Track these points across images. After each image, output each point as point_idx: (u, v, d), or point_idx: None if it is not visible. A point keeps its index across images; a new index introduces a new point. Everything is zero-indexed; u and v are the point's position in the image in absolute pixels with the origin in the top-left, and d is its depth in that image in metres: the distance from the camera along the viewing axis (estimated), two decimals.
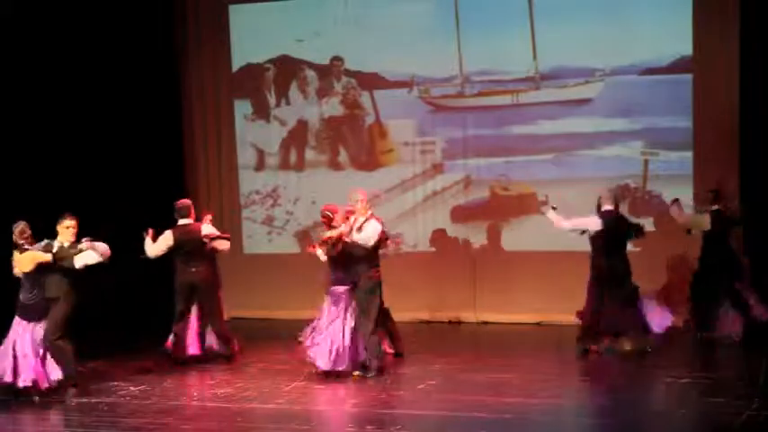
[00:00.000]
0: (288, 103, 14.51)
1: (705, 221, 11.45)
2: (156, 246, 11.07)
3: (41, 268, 9.75)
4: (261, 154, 14.66)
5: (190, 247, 11.08)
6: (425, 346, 11.48)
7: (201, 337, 11.31)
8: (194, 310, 11.28)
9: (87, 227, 10.45)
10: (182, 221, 11.18)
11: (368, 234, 10.24)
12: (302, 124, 14.46)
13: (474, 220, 13.70)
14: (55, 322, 9.81)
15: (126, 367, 10.84)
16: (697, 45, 12.59)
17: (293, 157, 14.53)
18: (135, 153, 13.98)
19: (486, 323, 13.49)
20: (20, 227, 9.85)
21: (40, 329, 9.74)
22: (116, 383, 10.11)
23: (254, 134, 14.67)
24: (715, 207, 11.46)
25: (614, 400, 9.51)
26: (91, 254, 9.88)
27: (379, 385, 9.86)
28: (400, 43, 13.74)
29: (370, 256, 10.28)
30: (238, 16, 14.55)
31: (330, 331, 10.21)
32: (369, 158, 14.19)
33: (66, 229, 9.98)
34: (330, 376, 10.12)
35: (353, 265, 10.28)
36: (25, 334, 9.71)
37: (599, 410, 9.28)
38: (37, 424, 9.10)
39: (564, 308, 12.75)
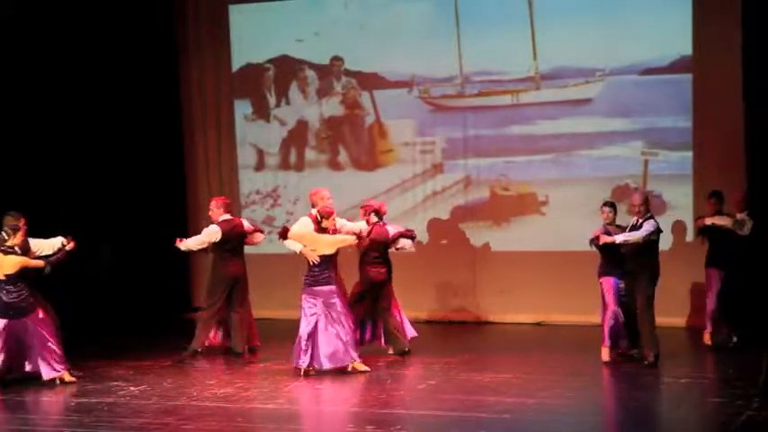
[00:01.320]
0: (288, 103, 14.51)
1: (748, 225, 11.09)
2: (200, 238, 11.47)
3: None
4: (261, 154, 14.66)
5: (235, 241, 11.51)
6: (425, 346, 11.47)
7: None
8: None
9: (87, 226, 10.46)
10: (224, 217, 11.46)
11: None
12: (302, 124, 14.46)
13: (474, 220, 13.71)
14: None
15: (126, 367, 10.83)
16: (697, 45, 12.59)
17: (293, 157, 14.53)
18: (135, 153, 13.99)
19: (486, 323, 13.49)
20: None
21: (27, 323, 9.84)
22: (116, 383, 10.11)
23: (254, 134, 14.67)
24: (746, 211, 11.14)
25: (614, 400, 9.52)
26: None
27: (379, 385, 9.86)
28: (400, 43, 13.75)
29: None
30: (238, 16, 14.55)
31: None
32: (369, 158, 14.19)
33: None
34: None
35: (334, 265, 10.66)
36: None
37: (599, 410, 9.28)
38: (37, 424, 9.09)
39: (564, 308, 12.78)
